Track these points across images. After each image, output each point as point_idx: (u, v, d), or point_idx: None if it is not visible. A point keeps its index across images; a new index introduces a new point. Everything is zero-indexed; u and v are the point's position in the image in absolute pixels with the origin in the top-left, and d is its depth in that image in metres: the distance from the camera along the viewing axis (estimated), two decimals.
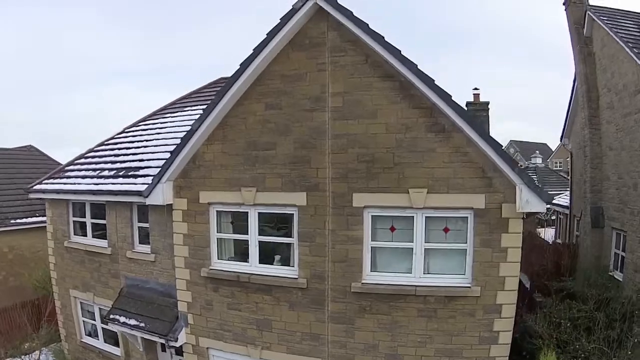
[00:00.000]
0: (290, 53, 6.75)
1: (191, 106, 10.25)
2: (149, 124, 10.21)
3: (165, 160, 7.25)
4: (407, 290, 6.21)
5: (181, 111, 10.18)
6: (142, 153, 9.01)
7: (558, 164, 51.94)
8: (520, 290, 6.90)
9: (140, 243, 8.52)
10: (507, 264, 6.04)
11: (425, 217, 6.24)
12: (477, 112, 11.16)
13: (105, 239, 8.87)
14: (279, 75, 6.80)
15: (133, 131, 10.19)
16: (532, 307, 9.32)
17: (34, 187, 9.65)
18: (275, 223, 6.93)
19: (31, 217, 12.57)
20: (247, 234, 7.03)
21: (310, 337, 6.68)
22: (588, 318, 7.72)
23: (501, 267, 6.04)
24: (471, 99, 11.67)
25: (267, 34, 6.69)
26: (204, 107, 9.90)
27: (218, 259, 7.31)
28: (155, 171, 8.23)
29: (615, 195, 9.48)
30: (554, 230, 18.03)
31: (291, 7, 6.55)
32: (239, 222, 7.17)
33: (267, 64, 6.80)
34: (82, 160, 9.87)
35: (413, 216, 6.26)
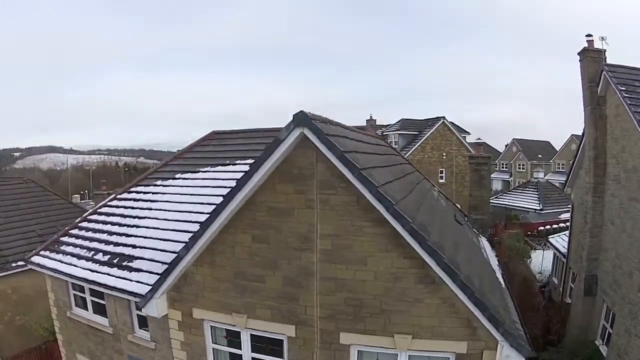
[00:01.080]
0: (277, 184, 6.46)
1: (181, 172, 9.95)
2: (140, 192, 9.99)
3: (154, 282, 7.26)
4: None
5: (172, 179, 9.90)
6: (135, 236, 8.96)
7: (561, 166, 50.48)
8: None
9: (140, 327, 8.79)
10: None
11: (409, 355, 6.40)
12: (479, 167, 10.77)
13: (107, 316, 9.17)
14: (266, 207, 6.57)
15: (125, 200, 10.02)
16: None
17: (31, 259, 9.78)
18: (267, 345, 7.11)
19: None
20: (241, 349, 7.27)
21: None
22: None
23: None
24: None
25: (251, 166, 6.37)
26: (194, 173, 9.77)
27: None
28: (148, 265, 8.34)
29: (611, 271, 9.41)
30: (551, 254, 17.98)
31: (276, 138, 6.15)
32: (233, 337, 7.36)
33: (253, 192, 6.54)
34: (76, 232, 9.85)
35: (397, 354, 6.42)
